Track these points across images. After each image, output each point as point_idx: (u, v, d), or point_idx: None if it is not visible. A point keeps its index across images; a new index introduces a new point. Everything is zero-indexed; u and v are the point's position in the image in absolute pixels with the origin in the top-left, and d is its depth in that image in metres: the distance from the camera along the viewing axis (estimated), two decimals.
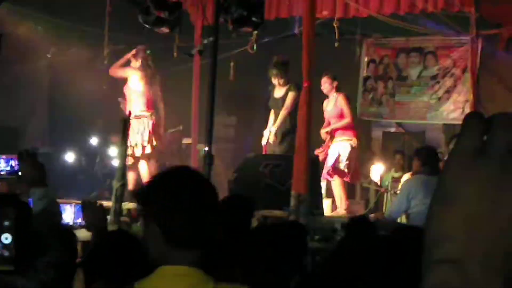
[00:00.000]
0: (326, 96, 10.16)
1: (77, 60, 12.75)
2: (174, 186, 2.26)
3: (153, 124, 10.13)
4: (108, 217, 7.03)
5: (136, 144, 9.91)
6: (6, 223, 2.27)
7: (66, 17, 11.83)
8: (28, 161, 3.41)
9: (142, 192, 2.36)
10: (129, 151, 9.73)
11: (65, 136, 13.91)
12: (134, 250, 3.61)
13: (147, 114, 10.09)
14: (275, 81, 9.87)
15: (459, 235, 0.85)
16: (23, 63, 13.35)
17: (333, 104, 10.06)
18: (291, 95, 9.60)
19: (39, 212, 3.54)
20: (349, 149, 9.96)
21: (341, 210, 9.88)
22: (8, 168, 7.03)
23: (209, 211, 2.24)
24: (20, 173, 3.43)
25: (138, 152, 9.95)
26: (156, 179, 2.36)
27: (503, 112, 0.91)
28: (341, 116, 10.04)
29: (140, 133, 9.96)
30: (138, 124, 9.94)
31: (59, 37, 12.69)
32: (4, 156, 7.08)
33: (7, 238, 2.25)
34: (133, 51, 10.10)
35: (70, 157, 13.51)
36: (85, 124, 13.85)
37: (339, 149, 9.96)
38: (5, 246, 2.26)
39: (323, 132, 10.08)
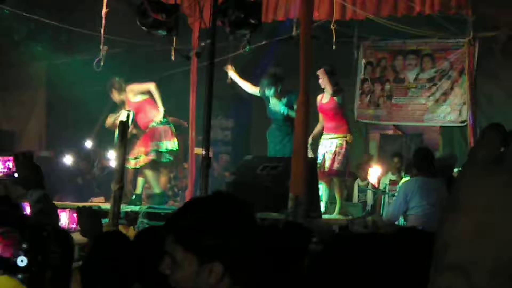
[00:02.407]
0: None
1: (74, 63, 12.75)
2: (247, 218, 2.05)
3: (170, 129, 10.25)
4: (106, 220, 7.04)
5: (162, 151, 10.01)
6: (24, 245, 2.25)
7: (63, 20, 11.81)
8: (24, 163, 3.39)
9: (202, 222, 2.00)
10: (153, 156, 9.86)
11: (63, 139, 13.90)
12: (129, 253, 3.62)
13: (165, 120, 10.20)
14: (268, 92, 9.93)
15: (469, 242, 0.85)
16: (20, 66, 13.34)
17: (329, 98, 9.98)
18: None
19: (36, 214, 3.55)
20: (345, 146, 9.93)
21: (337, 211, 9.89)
22: (5, 170, 7.03)
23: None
24: (16, 175, 3.40)
25: (165, 158, 10.15)
26: (219, 209, 2.04)
27: None
28: (334, 110, 9.99)
29: (165, 140, 10.06)
30: (161, 130, 10.05)
31: (57, 40, 12.69)
32: (1, 158, 7.07)
33: (22, 261, 2.23)
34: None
35: (68, 160, 13.51)
36: (82, 127, 13.84)
37: (335, 147, 9.89)
38: (19, 268, 2.23)
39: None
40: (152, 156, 9.96)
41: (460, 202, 0.87)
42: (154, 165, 10.15)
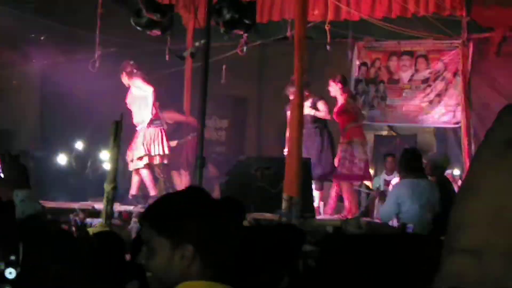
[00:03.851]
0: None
1: (69, 63, 12.72)
2: (219, 208, 2.14)
3: (163, 131, 10.13)
4: (99, 219, 7.04)
5: (155, 154, 9.92)
6: (12, 257, 2.23)
7: (58, 19, 11.80)
8: (10, 163, 3.37)
9: (174, 208, 2.12)
10: (145, 160, 9.78)
11: (58, 139, 13.86)
12: (122, 252, 3.61)
13: (158, 122, 10.08)
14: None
15: (482, 224, 0.82)
16: (14, 66, 13.30)
17: (339, 105, 10.19)
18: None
19: (27, 217, 3.51)
20: (351, 151, 10.02)
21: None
22: None
23: (239, 235, 2.16)
24: (2, 175, 3.37)
25: (156, 161, 10.01)
26: (191, 198, 2.16)
27: None
28: (344, 115, 10.12)
29: (157, 143, 9.95)
30: (152, 132, 9.95)
31: (51, 39, 12.66)
32: None
33: (11, 273, 2.21)
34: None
35: (62, 159, 13.47)
36: (77, 127, 13.81)
37: (342, 152, 10.03)
38: (8, 280, 2.21)
39: None
40: (145, 161, 9.89)
41: (476, 184, 0.84)
42: (150, 167, 10.10)
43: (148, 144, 9.88)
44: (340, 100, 10.13)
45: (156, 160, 10.02)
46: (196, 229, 2.06)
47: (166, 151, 9.98)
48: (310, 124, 9.87)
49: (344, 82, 10.28)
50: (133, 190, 10.16)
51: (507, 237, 0.80)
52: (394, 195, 7.84)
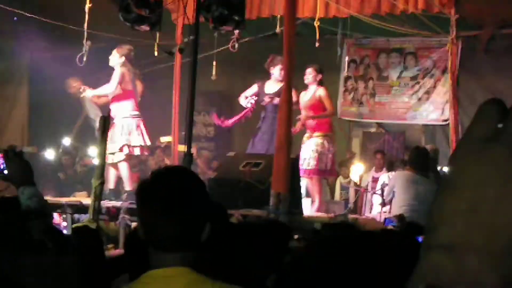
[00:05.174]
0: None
1: (57, 58, 12.69)
2: (155, 188, 2.16)
3: (142, 122, 9.98)
4: (87, 215, 7.02)
5: (135, 145, 9.76)
6: None
7: (46, 14, 11.75)
8: (15, 160, 3.35)
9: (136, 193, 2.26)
10: (126, 150, 9.64)
11: (45, 134, 13.84)
12: (101, 248, 3.61)
13: (136, 113, 9.93)
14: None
15: (458, 220, 0.81)
16: (2, 61, 13.26)
17: (311, 95, 9.97)
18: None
19: (30, 212, 3.49)
20: (326, 145, 9.92)
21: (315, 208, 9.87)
22: None
23: (192, 213, 2.13)
24: (6, 172, 3.33)
25: (136, 152, 9.87)
26: (145, 180, 2.23)
27: None
28: (316, 108, 9.96)
29: (136, 133, 9.78)
30: (130, 123, 9.79)
31: (39, 34, 12.62)
32: None
33: None
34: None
35: (50, 155, 13.45)
36: (65, 122, 13.77)
37: (315, 146, 9.88)
38: None
39: (299, 124, 9.95)
40: (125, 151, 9.70)
41: (452, 180, 0.83)
42: (129, 158, 9.91)
43: (127, 135, 9.71)
44: (317, 91, 9.95)
45: (137, 151, 9.86)
46: (140, 212, 2.20)
47: (147, 142, 9.88)
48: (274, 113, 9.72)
49: (322, 73, 10.12)
50: (111, 184, 9.91)
51: (481, 232, 0.80)
52: (393, 182, 8.41)
